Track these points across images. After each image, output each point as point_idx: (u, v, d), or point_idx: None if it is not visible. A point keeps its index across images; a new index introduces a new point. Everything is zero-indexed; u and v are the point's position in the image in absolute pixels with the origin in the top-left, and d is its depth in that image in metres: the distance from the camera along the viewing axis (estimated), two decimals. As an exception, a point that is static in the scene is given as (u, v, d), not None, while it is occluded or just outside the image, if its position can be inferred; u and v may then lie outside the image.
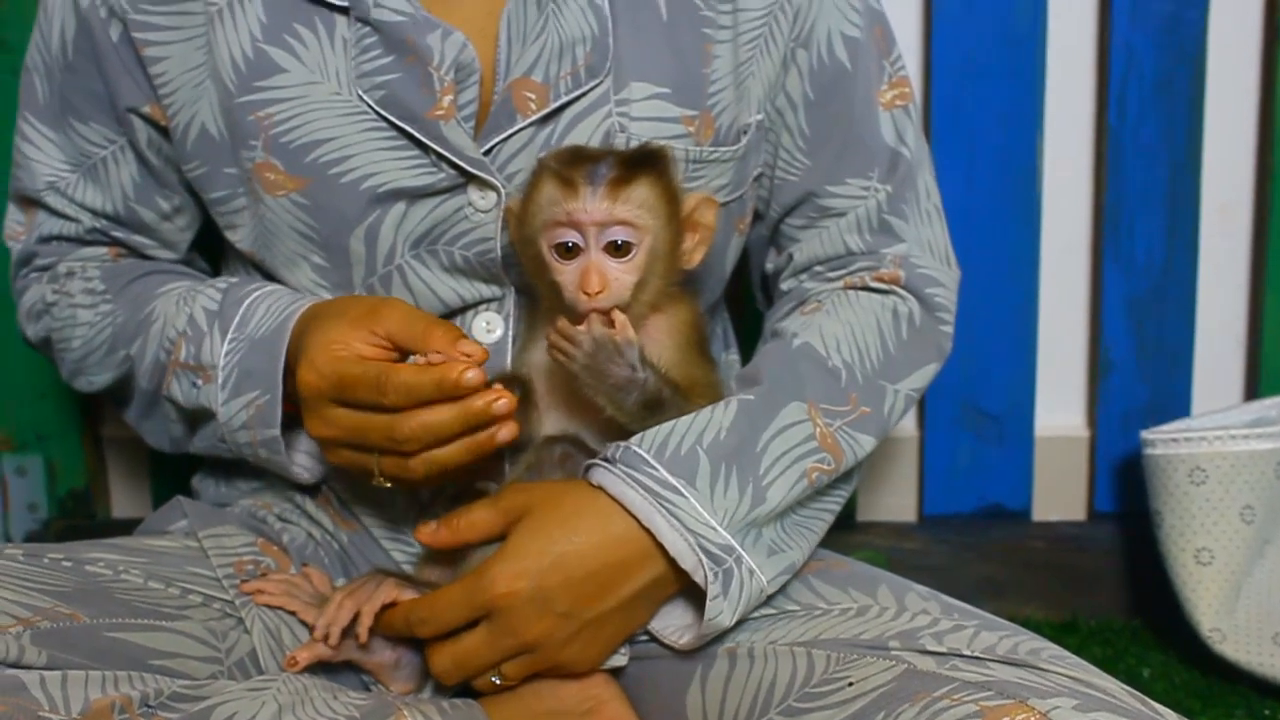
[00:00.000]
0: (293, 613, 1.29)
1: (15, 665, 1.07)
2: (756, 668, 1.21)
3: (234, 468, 1.45)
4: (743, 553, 1.21)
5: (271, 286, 1.32)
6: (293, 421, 1.30)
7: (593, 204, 1.19)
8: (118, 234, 1.43)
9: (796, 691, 1.17)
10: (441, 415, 1.17)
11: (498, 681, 1.24)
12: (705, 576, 1.19)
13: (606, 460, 1.22)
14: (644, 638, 1.28)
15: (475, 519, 1.24)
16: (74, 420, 2.01)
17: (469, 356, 1.16)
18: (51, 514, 2.03)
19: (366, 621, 1.24)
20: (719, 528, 1.20)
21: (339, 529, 1.39)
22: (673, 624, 1.26)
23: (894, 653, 1.16)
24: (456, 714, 1.21)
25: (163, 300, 1.35)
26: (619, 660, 1.27)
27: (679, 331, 1.28)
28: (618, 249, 1.20)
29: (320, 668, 1.26)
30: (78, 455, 2.02)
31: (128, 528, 1.47)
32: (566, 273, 1.21)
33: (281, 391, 1.26)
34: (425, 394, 1.15)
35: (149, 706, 1.07)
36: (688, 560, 1.19)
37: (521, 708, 1.26)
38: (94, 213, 1.42)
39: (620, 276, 1.20)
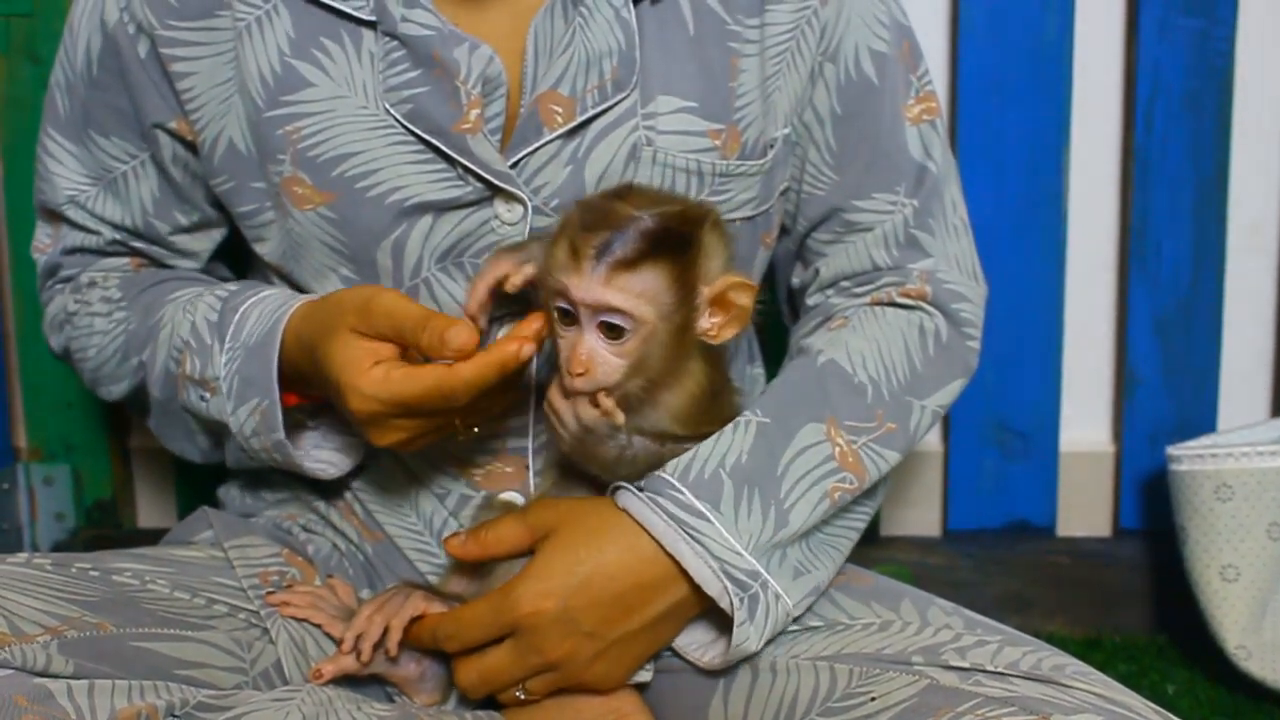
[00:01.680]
0: (318, 625, 1.30)
1: (43, 674, 1.07)
2: (779, 682, 1.21)
3: (259, 478, 1.45)
4: (768, 578, 1.21)
5: (265, 292, 1.32)
6: (306, 415, 1.32)
7: (589, 283, 1.14)
8: (137, 245, 1.44)
9: (819, 706, 1.17)
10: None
11: (522, 696, 1.24)
12: (731, 603, 1.19)
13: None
14: (667, 652, 1.28)
15: (503, 533, 1.24)
16: (101, 431, 2.02)
17: (461, 350, 1.15)
18: (78, 524, 2.04)
19: (396, 636, 1.24)
20: (744, 553, 1.20)
21: (364, 540, 1.39)
22: (696, 640, 1.26)
23: (917, 668, 1.16)
24: (479, 726, 1.22)
25: (171, 306, 1.36)
26: (643, 676, 1.27)
27: (692, 401, 1.23)
28: (611, 330, 1.16)
29: (345, 679, 1.26)
30: (104, 465, 2.03)
31: (154, 537, 1.47)
32: (563, 340, 1.18)
33: (279, 393, 1.26)
34: (492, 381, 1.16)
35: (174, 716, 1.07)
36: (713, 587, 1.19)
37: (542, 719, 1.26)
38: (113, 225, 1.42)
39: (609, 360, 1.16)
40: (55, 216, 1.45)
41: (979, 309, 1.41)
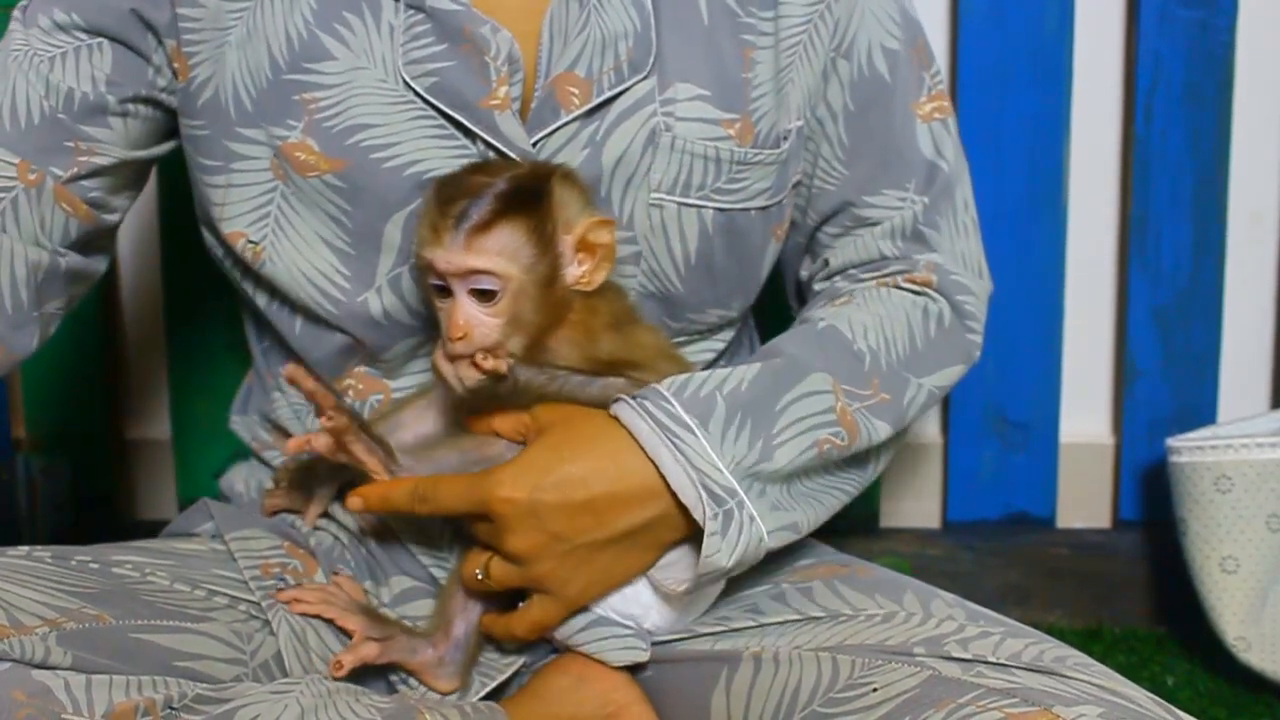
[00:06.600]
0: (330, 620, 1.29)
1: (41, 666, 1.07)
2: (781, 672, 1.21)
3: (260, 469, 1.45)
4: (745, 498, 1.21)
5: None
6: None
7: (450, 253, 1.18)
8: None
9: (821, 697, 1.17)
10: None
11: (480, 576, 1.25)
12: (704, 513, 1.19)
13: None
14: (667, 639, 1.28)
15: (506, 415, 1.27)
16: (100, 422, 2.02)
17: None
18: (78, 515, 2.04)
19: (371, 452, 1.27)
20: (724, 470, 1.21)
21: (366, 533, 1.39)
22: (674, 576, 1.26)
23: (919, 659, 1.16)
24: (479, 717, 1.22)
25: None
26: (640, 655, 1.27)
27: (600, 325, 1.26)
28: (482, 294, 1.20)
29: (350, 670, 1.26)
30: (104, 457, 2.03)
31: (153, 529, 1.47)
32: (441, 311, 1.22)
33: None
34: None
35: (172, 709, 1.07)
36: (688, 495, 1.20)
37: (543, 711, 1.26)
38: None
39: (485, 321, 1.20)
40: None
41: (983, 304, 1.42)
